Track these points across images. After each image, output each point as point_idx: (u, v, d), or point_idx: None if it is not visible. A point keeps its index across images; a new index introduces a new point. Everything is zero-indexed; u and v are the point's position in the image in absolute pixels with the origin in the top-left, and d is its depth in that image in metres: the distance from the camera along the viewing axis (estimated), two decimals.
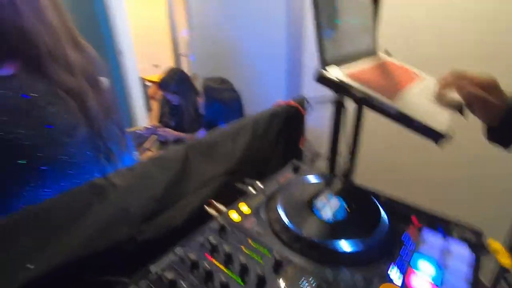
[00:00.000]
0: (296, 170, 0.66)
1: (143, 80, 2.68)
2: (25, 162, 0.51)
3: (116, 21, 2.42)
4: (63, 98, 0.55)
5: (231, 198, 0.66)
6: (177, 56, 3.42)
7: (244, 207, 0.54)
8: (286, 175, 0.65)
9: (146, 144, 1.91)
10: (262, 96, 1.64)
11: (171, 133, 1.83)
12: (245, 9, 1.54)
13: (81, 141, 0.59)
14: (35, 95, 0.51)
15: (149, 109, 2.81)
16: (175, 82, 1.80)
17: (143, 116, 2.70)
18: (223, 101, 1.44)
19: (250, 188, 0.60)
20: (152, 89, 3.55)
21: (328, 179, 0.61)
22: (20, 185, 0.52)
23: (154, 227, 0.58)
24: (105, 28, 2.36)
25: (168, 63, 3.63)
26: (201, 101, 1.49)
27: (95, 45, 0.66)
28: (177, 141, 1.81)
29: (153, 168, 0.60)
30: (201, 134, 1.57)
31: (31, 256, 0.43)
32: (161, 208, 0.60)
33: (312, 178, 0.61)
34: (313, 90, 1.24)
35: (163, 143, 1.88)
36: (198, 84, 1.92)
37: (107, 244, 0.50)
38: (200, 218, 0.66)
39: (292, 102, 1.00)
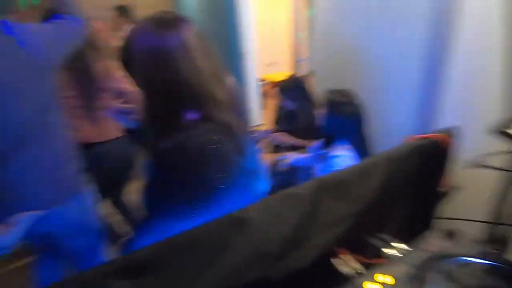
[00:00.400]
0: (449, 236, 0.55)
1: (259, 79, 2.82)
2: (210, 195, 0.60)
3: (243, 26, 2.60)
4: (224, 132, 0.61)
5: (358, 246, 0.61)
6: (295, 60, 3.45)
7: (387, 278, 0.48)
8: (436, 242, 0.54)
9: (261, 146, 2.02)
10: (386, 114, 1.47)
11: (286, 138, 1.88)
12: (375, 20, 1.39)
13: (236, 166, 0.65)
14: (216, 134, 0.59)
15: (263, 107, 2.96)
16: (293, 89, 1.82)
17: (258, 115, 2.87)
18: (342, 115, 1.36)
19: (391, 251, 0.53)
20: (268, 88, 3.71)
21: (498, 263, 0.48)
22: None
23: (284, 267, 0.58)
24: (232, 31, 2.58)
25: (284, 64, 3.71)
26: (320, 112, 1.44)
27: (222, 46, 0.69)
28: (291, 147, 1.84)
29: (284, 204, 0.61)
30: (316, 145, 1.54)
31: (183, 286, 0.48)
32: (291, 247, 0.60)
33: (475, 259, 0.49)
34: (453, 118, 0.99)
35: (278, 146, 1.95)
36: (313, 86, 1.88)
37: (243, 281, 0.53)
38: (326, 259, 0.64)
39: (437, 136, 0.84)
